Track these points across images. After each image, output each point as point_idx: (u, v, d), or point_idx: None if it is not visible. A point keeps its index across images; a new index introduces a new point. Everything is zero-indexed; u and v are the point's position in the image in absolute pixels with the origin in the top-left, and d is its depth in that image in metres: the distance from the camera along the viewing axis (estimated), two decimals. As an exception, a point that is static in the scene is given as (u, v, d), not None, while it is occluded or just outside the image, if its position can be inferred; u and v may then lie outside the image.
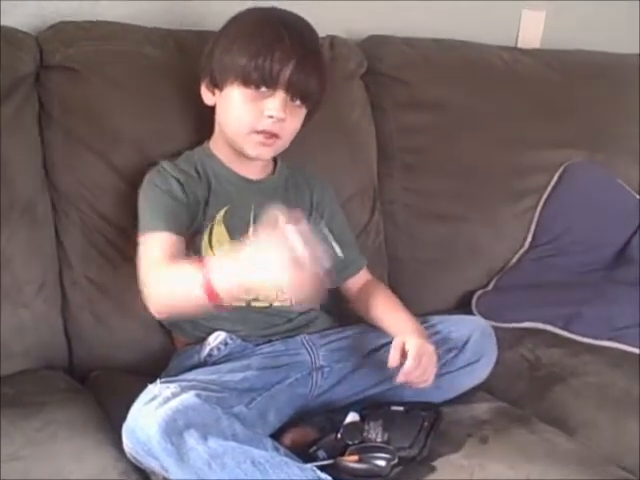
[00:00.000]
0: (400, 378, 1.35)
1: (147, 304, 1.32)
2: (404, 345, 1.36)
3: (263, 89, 1.39)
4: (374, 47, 1.91)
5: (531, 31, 2.31)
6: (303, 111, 1.46)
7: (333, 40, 1.82)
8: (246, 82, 1.39)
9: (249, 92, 1.39)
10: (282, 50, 1.37)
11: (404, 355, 1.35)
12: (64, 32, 1.55)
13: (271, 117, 1.39)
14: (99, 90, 1.53)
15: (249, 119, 1.41)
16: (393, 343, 1.38)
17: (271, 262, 1.13)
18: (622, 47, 2.29)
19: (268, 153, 1.47)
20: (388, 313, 1.52)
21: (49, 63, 1.52)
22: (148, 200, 1.43)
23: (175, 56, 1.62)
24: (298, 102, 1.43)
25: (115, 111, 1.54)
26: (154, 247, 1.37)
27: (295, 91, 1.40)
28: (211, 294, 1.20)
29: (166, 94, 1.58)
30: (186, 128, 1.58)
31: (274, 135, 1.42)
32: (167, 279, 1.31)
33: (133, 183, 1.53)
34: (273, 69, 1.37)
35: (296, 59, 1.38)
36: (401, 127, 1.91)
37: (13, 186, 1.46)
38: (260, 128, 1.41)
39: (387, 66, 1.90)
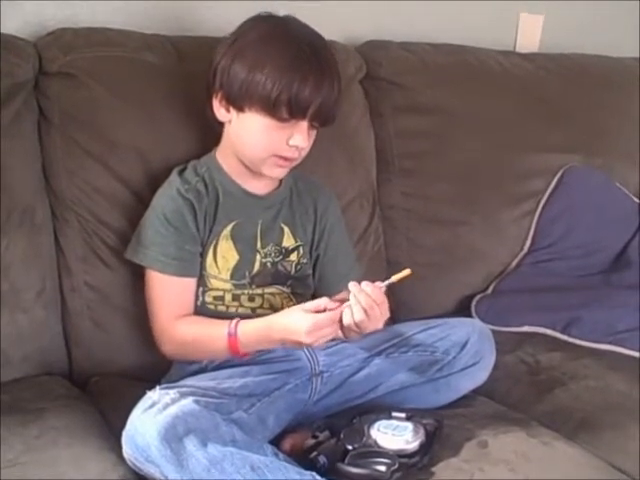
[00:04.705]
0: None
1: (159, 347, 1.43)
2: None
3: (289, 120, 1.37)
4: (373, 52, 1.92)
5: (529, 35, 2.32)
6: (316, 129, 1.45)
7: (332, 45, 1.80)
8: (273, 114, 1.35)
9: (274, 122, 1.36)
10: (313, 84, 1.34)
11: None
12: (63, 39, 1.55)
13: (295, 146, 1.39)
14: (98, 96, 1.53)
15: (271, 147, 1.39)
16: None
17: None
18: (621, 51, 2.30)
19: (283, 173, 1.47)
20: None
21: (48, 70, 1.52)
22: (159, 235, 1.41)
23: (174, 62, 1.62)
24: (317, 125, 1.42)
25: (114, 117, 1.54)
26: (166, 297, 1.41)
27: (319, 120, 1.40)
28: (236, 354, 1.36)
29: (165, 100, 1.58)
30: (185, 133, 1.58)
31: (293, 158, 1.42)
32: (186, 342, 1.40)
33: (132, 188, 1.54)
34: (303, 104, 1.35)
35: (325, 92, 1.36)
36: (400, 132, 1.91)
37: (12, 192, 1.46)
38: (282, 155, 1.40)
39: (386, 71, 1.90)
